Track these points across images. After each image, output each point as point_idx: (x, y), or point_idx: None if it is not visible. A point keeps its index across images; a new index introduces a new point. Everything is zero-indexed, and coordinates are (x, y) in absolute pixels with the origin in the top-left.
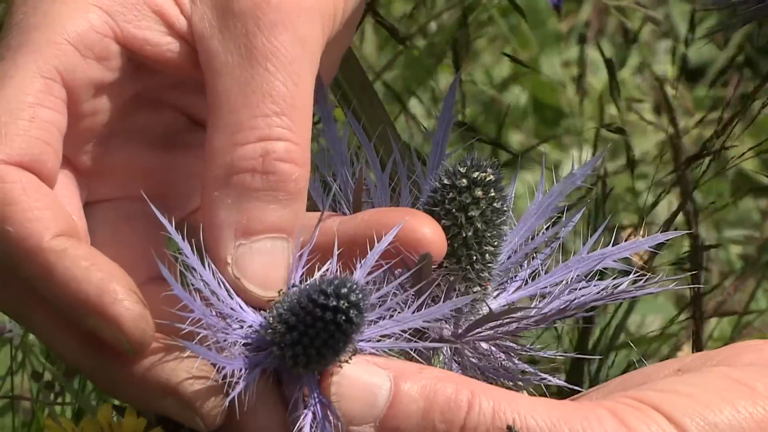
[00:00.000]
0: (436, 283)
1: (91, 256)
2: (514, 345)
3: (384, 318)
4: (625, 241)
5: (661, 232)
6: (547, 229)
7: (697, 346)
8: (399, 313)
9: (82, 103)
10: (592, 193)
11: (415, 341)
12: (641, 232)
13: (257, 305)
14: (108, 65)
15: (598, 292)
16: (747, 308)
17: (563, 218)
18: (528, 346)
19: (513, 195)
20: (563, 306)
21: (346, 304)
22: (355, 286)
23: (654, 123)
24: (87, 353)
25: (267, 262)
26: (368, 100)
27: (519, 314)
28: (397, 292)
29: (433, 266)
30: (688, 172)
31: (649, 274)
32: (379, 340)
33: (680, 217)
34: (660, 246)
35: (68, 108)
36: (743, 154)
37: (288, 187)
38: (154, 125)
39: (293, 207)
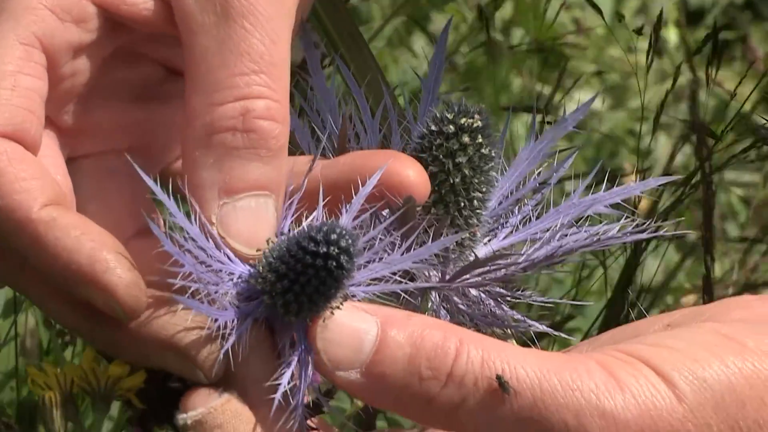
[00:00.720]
0: (423, 227)
1: (80, 224)
2: (504, 291)
3: (373, 261)
4: (618, 185)
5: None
6: (538, 174)
7: (709, 296)
8: (388, 255)
9: (62, 66)
10: (591, 137)
11: (406, 282)
12: (635, 177)
13: (244, 261)
14: (86, 27)
15: (587, 238)
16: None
17: (555, 163)
18: (522, 292)
19: (506, 138)
20: (551, 252)
21: (336, 250)
22: (344, 232)
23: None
24: (82, 317)
25: (251, 220)
26: (357, 48)
27: (505, 260)
28: (384, 236)
29: (419, 210)
30: (700, 113)
31: (639, 219)
32: (369, 284)
33: (681, 161)
34: (660, 192)
35: (48, 72)
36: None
37: (269, 144)
38: (133, 79)
39: (275, 163)
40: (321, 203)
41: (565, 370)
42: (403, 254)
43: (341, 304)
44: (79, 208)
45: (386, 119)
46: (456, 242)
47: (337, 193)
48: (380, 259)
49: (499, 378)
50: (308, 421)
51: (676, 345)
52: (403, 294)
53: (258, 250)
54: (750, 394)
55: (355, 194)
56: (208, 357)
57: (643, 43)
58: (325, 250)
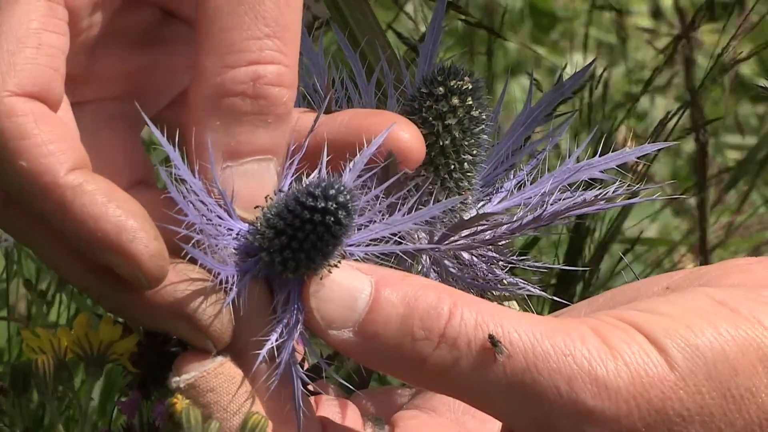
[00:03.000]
0: (414, 189)
1: (107, 190)
2: (497, 255)
3: (373, 222)
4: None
5: (654, 140)
6: (526, 140)
7: (704, 256)
8: (387, 217)
9: (82, 19)
10: (587, 101)
11: (405, 244)
12: (629, 143)
13: (243, 221)
14: None
15: (574, 201)
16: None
17: (551, 128)
18: (514, 256)
19: (502, 100)
20: (537, 215)
21: (334, 205)
22: (342, 188)
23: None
24: (96, 279)
25: (252, 184)
26: (358, 7)
27: (491, 221)
28: (382, 197)
29: (412, 172)
30: (694, 72)
31: (629, 183)
32: (368, 245)
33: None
34: (653, 157)
35: (69, 27)
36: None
37: (277, 111)
38: (133, 25)
39: (281, 128)
40: (324, 162)
41: (558, 336)
42: (404, 215)
43: (339, 262)
44: None
45: (382, 85)
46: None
47: (333, 152)
48: (381, 220)
49: (491, 338)
50: (308, 386)
51: (669, 311)
52: (393, 258)
53: (256, 208)
54: (742, 361)
55: (351, 153)
56: (220, 327)
57: (639, 5)
58: (323, 205)
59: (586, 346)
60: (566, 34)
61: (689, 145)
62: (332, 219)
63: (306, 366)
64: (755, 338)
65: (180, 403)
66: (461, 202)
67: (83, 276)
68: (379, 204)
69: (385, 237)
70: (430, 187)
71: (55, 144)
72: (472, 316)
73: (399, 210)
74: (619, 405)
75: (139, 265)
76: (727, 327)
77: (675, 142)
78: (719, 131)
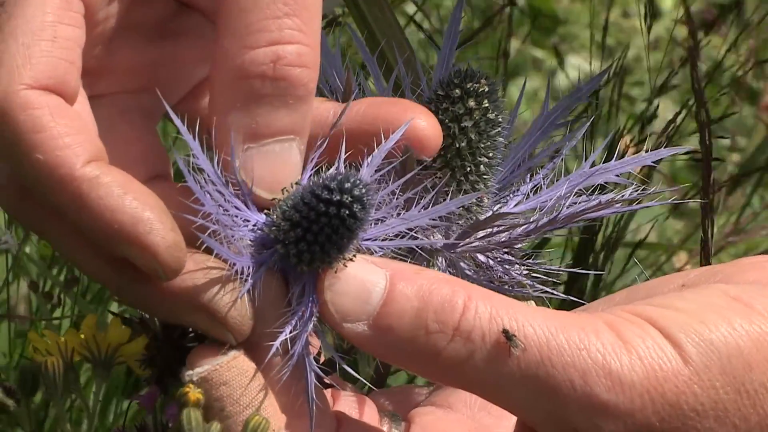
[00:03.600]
0: (428, 185)
1: (124, 182)
2: (512, 258)
3: (391, 217)
4: (626, 154)
5: (663, 142)
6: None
7: (706, 257)
8: (405, 212)
9: (98, 12)
10: (595, 107)
11: (421, 239)
12: (645, 146)
13: (263, 206)
14: None
15: (589, 205)
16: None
17: (567, 132)
18: (529, 259)
19: (519, 104)
20: (552, 217)
21: (349, 199)
22: (358, 181)
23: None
24: (114, 272)
25: (275, 166)
26: (376, 3)
27: (506, 222)
28: (399, 193)
29: (428, 170)
30: (701, 77)
31: (644, 187)
32: (385, 239)
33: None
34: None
35: (86, 19)
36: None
37: (298, 92)
38: (148, 17)
39: (303, 109)
40: (342, 155)
41: (573, 330)
42: (420, 211)
43: (354, 256)
44: None
45: (400, 87)
46: (463, 207)
47: (350, 141)
48: (398, 214)
49: (506, 332)
50: (325, 379)
51: (684, 306)
52: (408, 259)
53: (274, 199)
54: (757, 356)
55: (368, 142)
56: (239, 318)
57: (640, 7)
58: (338, 198)
59: (600, 340)
60: (566, 36)
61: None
62: (347, 212)
63: (322, 360)
64: None
65: (192, 392)
66: (477, 205)
67: (100, 268)
68: (396, 199)
69: (401, 232)
70: (446, 188)
71: (71, 137)
72: (486, 310)
73: (416, 205)
74: (634, 399)
75: (156, 256)
76: (741, 322)
77: (689, 147)
78: (717, 133)
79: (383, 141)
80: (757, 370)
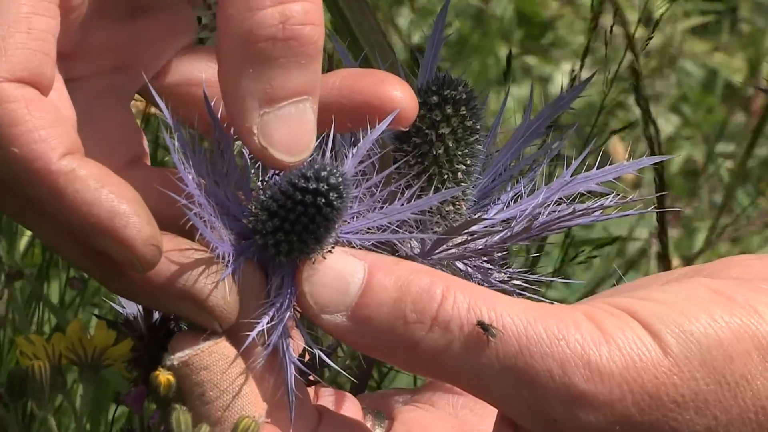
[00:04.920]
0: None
1: (100, 175)
2: (491, 266)
3: (372, 210)
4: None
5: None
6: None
7: (666, 258)
8: (386, 206)
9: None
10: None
11: (402, 233)
12: (626, 155)
13: (282, 169)
14: None
15: (567, 213)
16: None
17: (549, 140)
18: (510, 268)
19: (503, 112)
20: (527, 225)
21: (325, 187)
22: (335, 170)
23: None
24: (98, 263)
25: (293, 127)
26: (358, 8)
27: (483, 230)
28: (380, 187)
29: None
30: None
31: (622, 195)
32: (366, 232)
33: (669, 131)
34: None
35: (60, 7)
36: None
37: (309, 51)
38: None
39: (314, 68)
40: (327, 140)
41: (552, 320)
42: (402, 205)
43: (332, 248)
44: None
45: None
46: (440, 215)
47: (326, 115)
48: (380, 208)
49: (480, 322)
50: (309, 376)
51: (664, 298)
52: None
53: (302, 157)
54: (737, 348)
55: (346, 117)
56: (225, 306)
57: (632, 15)
58: (314, 186)
59: (579, 330)
60: (556, 43)
61: (682, 154)
62: (323, 200)
63: (307, 358)
64: (750, 325)
65: (162, 375)
66: (455, 213)
67: (84, 260)
68: (378, 192)
69: (382, 226)
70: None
71: (47, 129)
72: (465, 300)
73: (397, 200)
74: (612, 390)
75: (133, 249)
76: (722, 314)
77: (672, 155)
78: (711, 141)
79: (362, 117)
80: (737, 361)
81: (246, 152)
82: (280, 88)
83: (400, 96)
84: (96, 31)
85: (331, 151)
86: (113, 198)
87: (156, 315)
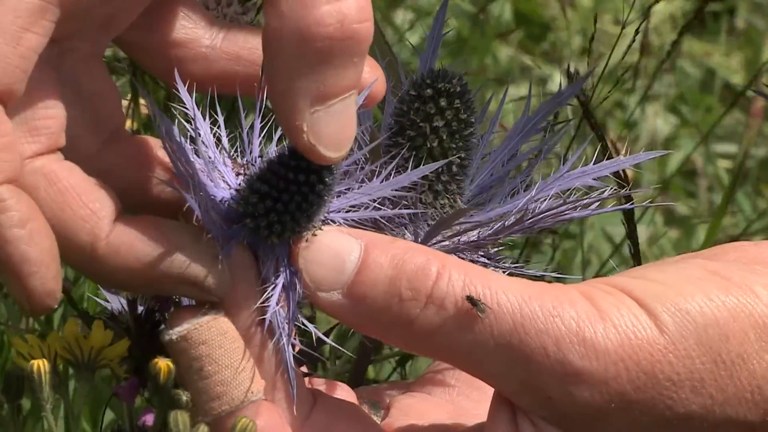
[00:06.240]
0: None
1: (27, 213)
2: (487, 261)
3: (353, 189)
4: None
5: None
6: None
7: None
8: (367, 184)
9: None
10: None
11: (385, 210)
12: (623, 150)
13: (326, 163)
14: None
15: (559, 206)
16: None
17: (547, 136)
18: (504, 263)
19: (501, 109)
20: (520, 217)
21: (317, 165)
22: None
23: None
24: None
25: (341, 124)
26: None
27: (474, 222)
28: (362, 165)
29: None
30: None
31: (616, 189)
32: (349, 210)
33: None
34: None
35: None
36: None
37: (363, 48)
38: None
39: (362, 65)
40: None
41: (547, 298)
42: (382, 182)
43: (321, 227)
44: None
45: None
46: (434, 208)
47: None
48: (359, 187)
49: (470, 298)
50: (302, 368)
51: (661, 278)
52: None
53: (344, 153)
54: (734, 327)
55: None
56: (221, 286)
57: (630, 15)
58: (306, 164)
59: (574, 308)
60: (557, 43)
61: (681, 154)
62: (316, 178)
63: (297, 350)
64: (746, 305)
65: (161, 361)
66: (450, 206)
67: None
68: (359, 170)
69: (364, 203)
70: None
71: None
72: (459, 278)
73: (376, 177)
74: (608, 367)
75: (30, 298)
76: (718, 293)
77: (669, 151)
78: (710, 140)
79: None
80: (733, 340)
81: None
82: (333, 87)
83: (365, 72)
84: None
85: None
86: (29, 241)
87: (140, 308)
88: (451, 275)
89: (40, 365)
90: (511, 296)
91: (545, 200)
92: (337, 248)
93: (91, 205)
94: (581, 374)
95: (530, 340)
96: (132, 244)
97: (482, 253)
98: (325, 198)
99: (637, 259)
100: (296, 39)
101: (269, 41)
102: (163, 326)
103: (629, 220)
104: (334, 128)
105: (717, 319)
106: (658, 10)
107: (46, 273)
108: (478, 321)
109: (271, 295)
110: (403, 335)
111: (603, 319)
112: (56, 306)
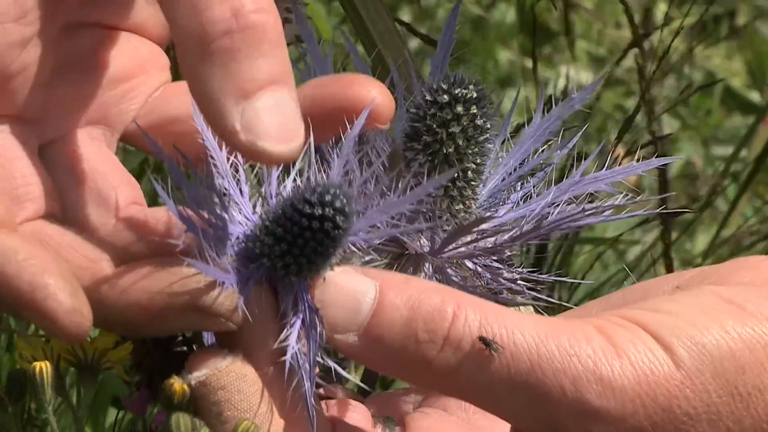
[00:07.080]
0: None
1: (24, 248)
2: (500, 266)
3: (370, 208)
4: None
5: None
6: (540, 152)
7: (668, 260)
8: (382, 201)
9: (10, 65)
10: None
11: (405, 226)
12: (636, 156)
13: (278, 163)
14: (26, 21)
15: (574, 212)
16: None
17: (559, 141)
18: (519, 268)
19: (512, 113)
20: (537, 224)
21: (331, 212)
22: (338, 192)
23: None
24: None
25: (275, 116)
26: (373, 6)
27: (492, 229)
28: (375, 181)
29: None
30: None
31: (631, 196)
32: (368, 232)
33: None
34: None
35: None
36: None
37: (269, 37)
38: (78, 49)
39: (278, 53)
40: (313, 159)
41: (563, 336)
42: (399, 198)
43: (340, 260)
44: (67, 193)
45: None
46: (450, 214)
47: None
48: (377, 205)
49: (483, 339)
50: (320, 389)
51: (675, 310)
52: (396, 264)
53: (295, 146)
54: (750, 359)
55: (323, 124)
56: (228, 306)
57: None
58: (320, 212)
59: (591, 345)
60: (559, 48)
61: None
62: (330, 225)
63: (317, 371)
64: (762, 335)
65: (176, 383)
66: (465, 212)
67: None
68: (375, 189)
69: (384, 222)
70: (434, 195)
71: None
72: (476, 318)
73: (393, 192)
74: (625, 404)
75: (54, 322)
76: (733, 325)
77: (680, 157)
78: (710, 143)
79: (338, 122)
80: (749, 372)
81: (242, 171)
82: (250, 80)
83: (370, 94)
84: (60, 90)
85: (316, 154)
86: (34, 270)
87: None
88: (467, 316)
89: (43, 367)
90: (527, 335)
91: (560, 206)
92: (352, 290)
93: (89, 255)
94: (599, 412)
95: (548, 380)
96: (147, 274)
97: (495, 258)
98: (342, 239)
99: (669, 269)
100: (198, 43)
101: (180, 56)
102: (179, 338)
103: (665, 228)
104: (269, 122)
105: (733, 351)
106: (658, 16)
107: (59, 290)
108: (494, 361)
109: (290, 333)
110: (420, 375)
111: (619, 355)
112: (90, 324)
